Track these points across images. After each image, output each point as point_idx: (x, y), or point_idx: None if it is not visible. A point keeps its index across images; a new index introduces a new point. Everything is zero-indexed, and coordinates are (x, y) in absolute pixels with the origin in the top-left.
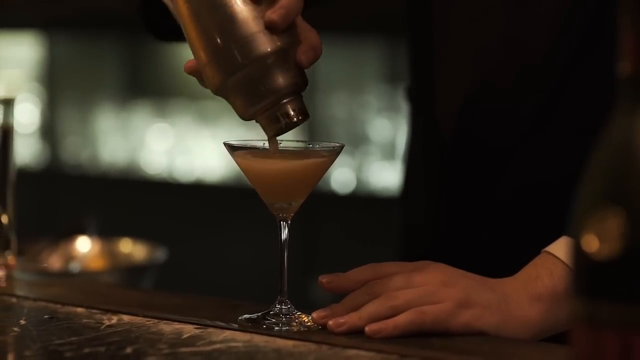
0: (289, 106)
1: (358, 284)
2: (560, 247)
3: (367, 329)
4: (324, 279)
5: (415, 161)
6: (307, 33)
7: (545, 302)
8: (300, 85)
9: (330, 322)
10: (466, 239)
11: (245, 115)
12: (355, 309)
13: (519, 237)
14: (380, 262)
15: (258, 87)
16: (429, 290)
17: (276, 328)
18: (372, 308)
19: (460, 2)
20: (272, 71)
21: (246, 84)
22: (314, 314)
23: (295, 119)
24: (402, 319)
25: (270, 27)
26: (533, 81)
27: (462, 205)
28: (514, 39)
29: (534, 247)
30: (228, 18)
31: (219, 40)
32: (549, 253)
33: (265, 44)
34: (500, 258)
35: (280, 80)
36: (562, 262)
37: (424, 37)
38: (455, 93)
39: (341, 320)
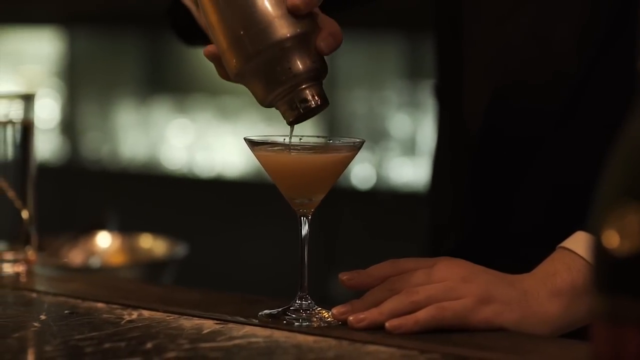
0: (307, 92)
1: (378, 280)
2: (576, 242)
3: (387, 324)
4: (344, 276)
5: (442, 159)
6: (327, 21)
7: (564, 297)
8: (320, 72)
9: (351, 318)
10: (492, 236)
11: (264, 102)
12: (376, 304)
13: (546, 233)
14: (400, 258)
15: (276, 72)
16: (449, 286)
17: (296, 324)
18: (392, 304)
19: (490, 1)
20: (290, 56)
21: (265, 69)
22: (334, 310)
23: (313, 104)
24: (422, 315)
25: (293, 11)
26: (560, 78)
27: (488, 202)
28: (541, 36)
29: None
30: (249, 2)
31: (239, 25)
32: (565, 248)
33: (284, 29)
34: (527, 255)
35: (299, 65)
36: (579, 256)
37: (453, 36)
38: (483, 90)
39: (361, 316)
